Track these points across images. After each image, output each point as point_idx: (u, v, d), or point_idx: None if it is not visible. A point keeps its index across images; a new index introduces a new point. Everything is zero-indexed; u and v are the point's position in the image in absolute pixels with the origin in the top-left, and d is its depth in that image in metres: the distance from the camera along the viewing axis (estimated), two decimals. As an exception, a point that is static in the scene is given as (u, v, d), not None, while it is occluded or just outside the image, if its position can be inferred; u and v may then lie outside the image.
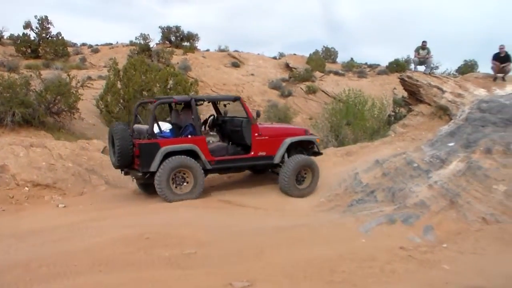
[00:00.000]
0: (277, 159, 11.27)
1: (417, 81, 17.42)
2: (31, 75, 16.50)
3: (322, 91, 29.50)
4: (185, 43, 37.66)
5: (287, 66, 34.32)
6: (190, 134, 10.88)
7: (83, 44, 45.20)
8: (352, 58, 43.06)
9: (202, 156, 10.56)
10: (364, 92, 21.64)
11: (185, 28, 39.59)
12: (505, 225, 7.60)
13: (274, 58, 40.79)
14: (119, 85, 17.41)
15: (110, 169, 12.52)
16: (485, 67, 20.66)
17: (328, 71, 34.35)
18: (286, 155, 11.40)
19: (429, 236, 7.71)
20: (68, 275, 5.40)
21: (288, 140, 11.36)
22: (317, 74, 32.36)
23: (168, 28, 38.97)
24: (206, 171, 10.76)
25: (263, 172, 12.75)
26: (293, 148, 11.64)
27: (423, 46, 18.35)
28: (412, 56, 20.46)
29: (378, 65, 41.37)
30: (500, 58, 16.52)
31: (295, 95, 28.22)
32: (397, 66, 34.99)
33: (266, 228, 8.09)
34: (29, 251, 6.65)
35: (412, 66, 19.96)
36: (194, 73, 24.98)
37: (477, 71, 27.88)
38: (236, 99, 11.62)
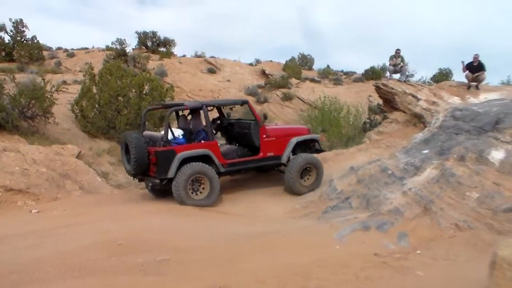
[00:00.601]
0: (284, 159, 11.73)
1: (392, 88, 17.52)
2: (5, 78, 16.26)
3: (298, 98, 29.53)
4: (162, 49, 37.49)
5: (263, 72, 34.32)
6: (203, 139, 11.26)
7: (59, 48, 44.71)
8: (328, 65, 43.22)
9: (216, 160, 10.95)
10: (339, 99, 21.80)
11: (162, 34, 39.61)
12: (478, 231, 7.69)
13: (251, 64, 40.78)
14: (94, 90, 17.29)
15: (84, 174, 12.42)
16: (460, 75, 20.95)
17: (304, 78, 34.41)
18: (290, 154, 11.84)
19: (403, 242, 7.74)
20: (40, 281, 5.33)
21: (294, 140, 11.87)
22: (293, 81, 32.45)
23: (145, 33, 38.79)
24: (219, 174, 11.04)
25: (268, 171, 13.11)
26: (297, 146, 12.05)
27: (397, 54, 18.48)
28: (387, 64, 20.64)
29: (354, 72, 41.63)
30: (473, 67, 16.72)
31: (271, 102, 28.32)
32: (372, 74, 35.21)
33: (240, 234, 8.08)
34: (0, 257, 6.55)
35: (388, 74, 20.07)
36: (170, 79, 24.89)
37: (452, 79, 28.15)
38: (244, 102, 12.05)
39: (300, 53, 43.44)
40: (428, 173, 10.07)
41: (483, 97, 15.68)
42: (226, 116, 13.14)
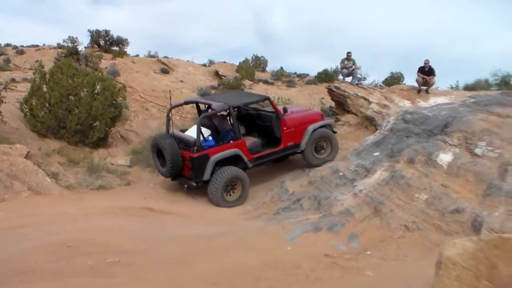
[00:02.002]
0: (303, 146, 12.50)
1: (345, 91, 17.72)
2: (-51, 76, 15.82)
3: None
4: (115, 48, 36.85)
5: (216, 73, 33.96)
6: (232, 139, 11.87)
7: (8, 45, 43.50)
8: (281, 67, 42.94)
9: (245, 158, 11.76)
10: (292, 101, 21.87)
11: (115, 33, 38.76)
12: (426, 232, 7.83)
13: (204, 65, 40.36)
14: (44, 89, 16.88)
15: (33, 175, 12.15)
16: (411, 79, 21.29)
17: (257, 79, 34.16)
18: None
19: (353, 243, 7.82)
20: (-15, 286, 5.19)
21: (311, 128, 12.61)
22: (247, 82, 32.28)
23: (97, 31, 37.93)
24: (245, 169, 11.87)
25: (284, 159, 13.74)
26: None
27: (348, 57, 18.68)
28: (340, 67, 20.82)
29: (307, 74, 41.60)
30: (424, 72, 17.05)
31: (224, 103, 28.29)
32: (325, 76, 35.18)
33: (191, 236, 8.04)
34: None
35: (340, 77, 20.26)
36: (122, 79, 24.47)
37: (403, 83, 28.56)
38: (266, 99, 12.65)
39: (253, 55, 43.09)
40: (378, 175, 10.21)
41: (432, 101, 16.01)
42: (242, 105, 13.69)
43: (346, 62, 18.73)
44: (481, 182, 8.95)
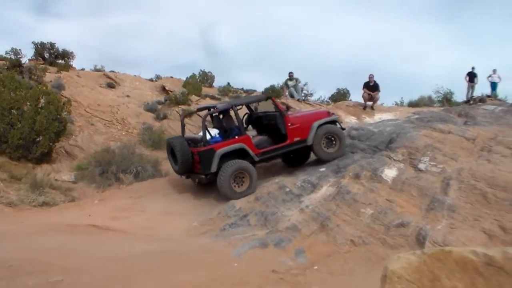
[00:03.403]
0: (309, 141, 12.81)
1: (291, 107, 17.83)
2: None
3: (198, 115, 29.09)
4: (60, 61, 36.01)
5: (163, 88, 33.64)
6: (237, 135, 12.57)
7: None
8: (228, 83, 43.05)
9: (250, 152, 12.29)
10: (239, 117, 21.87)
11: (60, 45, 37.95)
12: (372, 246, 7.91)
13: (151, 80, 39.95)
14: (-16, 102, 16.53)
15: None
16: (357, 95, 21.63)
17: (204, 95, 34.09)
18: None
19: (300, 259, 7.83)
20: None
21: (316, 124, 12.93)
22: (194, 97, 32.22)
23: (42, 44, 36.97)
24: (255, 163, 12.38)
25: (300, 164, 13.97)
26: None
27: (290, 77, 18.89)
28: (284, 89, 21.04)
29: (254, 90, 41.85)
30: (369, 87, 17.35)
31: (170, 118, 27.78)
32: (272, 92, 35.36)
33: (137, 253, 7.90)
34: None
35: (287, 93, 20.38)
36: (68, 92, 23.99)
37: (349, 99, 28.96)
38: (268, 98, 13.75)
39: (201, 70, 42.95)
40: (324, 191, 10.29)
41: (378, 117, 16.32)
42: (254, 110, 14.56)
43: (289, 82, 18.95)
44: (425, 196, 9.15)
